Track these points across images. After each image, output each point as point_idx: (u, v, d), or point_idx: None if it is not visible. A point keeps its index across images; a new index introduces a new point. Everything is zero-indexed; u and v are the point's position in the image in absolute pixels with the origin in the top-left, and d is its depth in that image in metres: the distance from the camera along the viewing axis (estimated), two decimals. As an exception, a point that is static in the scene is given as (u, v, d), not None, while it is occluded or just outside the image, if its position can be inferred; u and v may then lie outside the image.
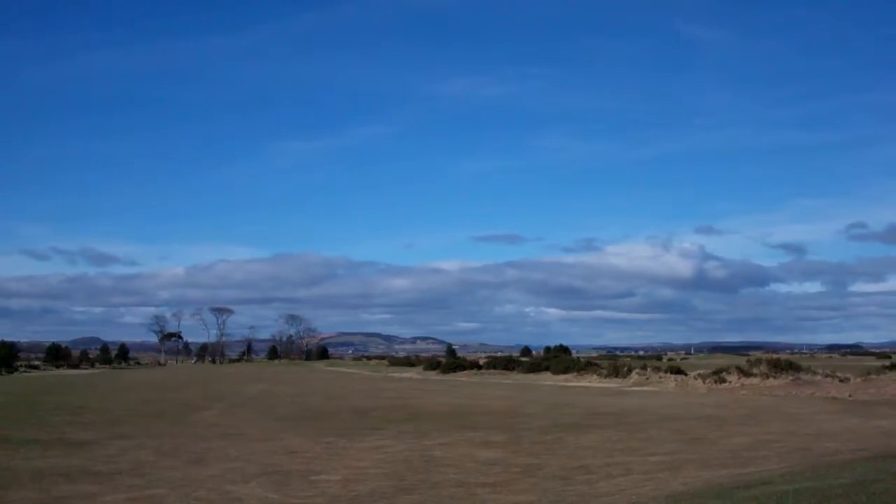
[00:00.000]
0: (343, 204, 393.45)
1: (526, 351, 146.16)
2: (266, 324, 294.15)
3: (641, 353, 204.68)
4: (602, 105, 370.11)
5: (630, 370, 58.14)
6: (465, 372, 77.74)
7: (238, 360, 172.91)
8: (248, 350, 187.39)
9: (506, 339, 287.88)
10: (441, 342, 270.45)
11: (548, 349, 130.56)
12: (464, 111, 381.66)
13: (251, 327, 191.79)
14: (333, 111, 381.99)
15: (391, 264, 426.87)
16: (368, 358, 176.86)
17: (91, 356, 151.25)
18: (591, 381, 56.20)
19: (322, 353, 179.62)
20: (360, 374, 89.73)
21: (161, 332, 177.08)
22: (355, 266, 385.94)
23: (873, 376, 45.73)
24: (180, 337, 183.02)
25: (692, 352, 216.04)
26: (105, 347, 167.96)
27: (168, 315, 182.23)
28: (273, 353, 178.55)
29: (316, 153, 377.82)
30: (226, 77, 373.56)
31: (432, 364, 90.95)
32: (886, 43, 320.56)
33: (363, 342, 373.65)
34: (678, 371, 56.20)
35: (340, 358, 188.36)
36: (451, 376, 74.06)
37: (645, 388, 47.58)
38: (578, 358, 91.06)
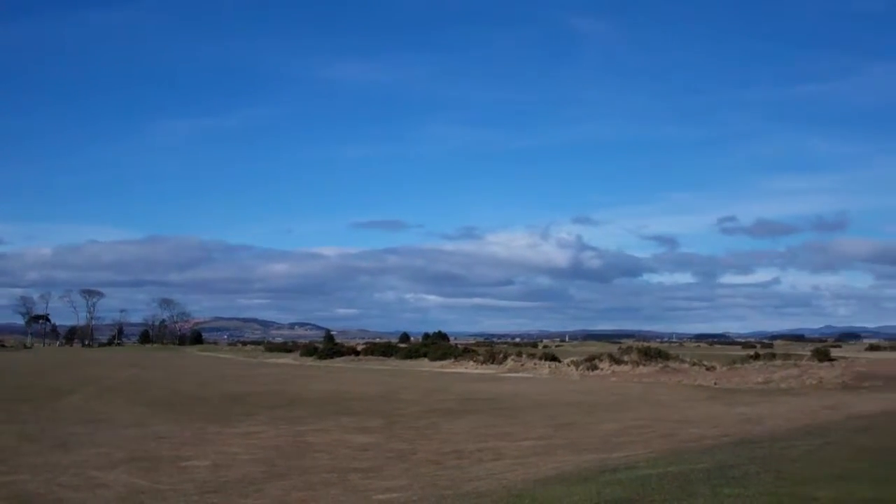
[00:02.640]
0: (220, 186, 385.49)
1: (405, 337, 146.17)
2: (138, 307, 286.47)
3: (518, 340, 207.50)
4: (487, 95, 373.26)
5: (506, 357, 58.87)
6: (342, 358, 77.53)
7: (108, 344, 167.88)
8: (118, 334, 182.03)
9: (385, 326, 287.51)
10: (319, 328, 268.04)
11: (426, 336, 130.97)
12: (349, 96, 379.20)
13: (122, 311, 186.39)
14: (214, 91, 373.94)
15: (269, 249, 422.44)
16: (244, 343, 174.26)
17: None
18: (468, 368, 56.67)
19: (196, 338, 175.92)
20: (235, 360, 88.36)
21: (28, 314, 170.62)
22: (232, 250, 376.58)
23: (738, 365, 47.55)
24: (48, 319, 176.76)
25: (567, 339, 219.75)
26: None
27: (35, 297, 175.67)
28: (145, 338, 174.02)
29: (194, 133, 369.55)
30: (102, 53, 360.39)
31: (309, 350, 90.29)
32: (763, 40, 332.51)
33: (239, 327, 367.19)
34: (552, 358, 57.26)
35: (215, 343, 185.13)
36: (328, 362, 73.70)
37: (520, 375, 48.26)
38: (456, 344, 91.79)
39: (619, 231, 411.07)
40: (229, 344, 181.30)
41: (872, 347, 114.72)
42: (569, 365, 51.11)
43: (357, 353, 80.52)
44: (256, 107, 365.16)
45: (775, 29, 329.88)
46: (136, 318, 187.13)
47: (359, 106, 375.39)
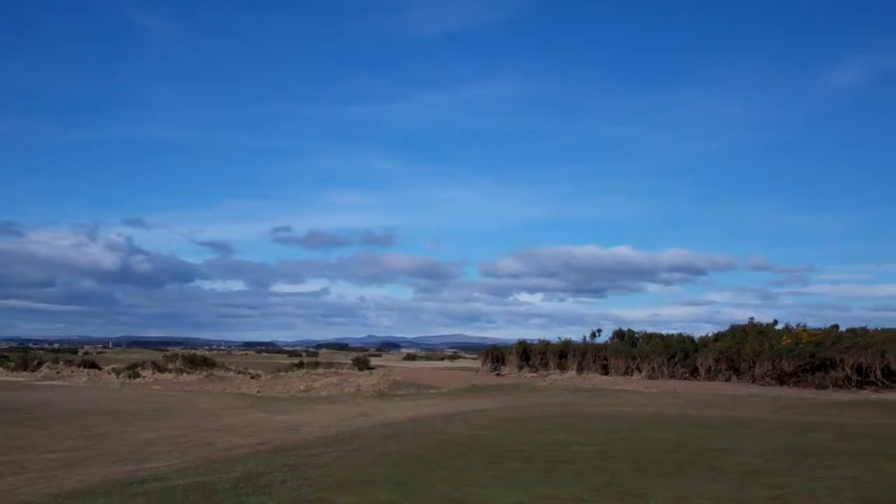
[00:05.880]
0: None
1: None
2: None
3: (56, 346, 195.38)
4: (34, 81, 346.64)
5: (41, 363, 55.55)
6: None
7: None
8: None
9: None
10: None
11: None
12: None
13: None
14: None
15: None
16: None
17: None
18: (-3, 375, 52.52)
19: None
20: None
21: None
22: None
23: (282, 373, 48.89)
24: None
25: (111, 346, 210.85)
26: None
27: None
28: None
29: None
30: None
31: None
32: (324, 60, 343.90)
33: None
34: (92, 365, 55.21)
35: None
36: None
37: (55, 383, 45.56)
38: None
39: (172, 235, 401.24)
40: None
41: (409, 357, 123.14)
42: (109, 372, 49.45)
43: None
44: None
45: (335, 50, 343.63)
46: None
47: None
